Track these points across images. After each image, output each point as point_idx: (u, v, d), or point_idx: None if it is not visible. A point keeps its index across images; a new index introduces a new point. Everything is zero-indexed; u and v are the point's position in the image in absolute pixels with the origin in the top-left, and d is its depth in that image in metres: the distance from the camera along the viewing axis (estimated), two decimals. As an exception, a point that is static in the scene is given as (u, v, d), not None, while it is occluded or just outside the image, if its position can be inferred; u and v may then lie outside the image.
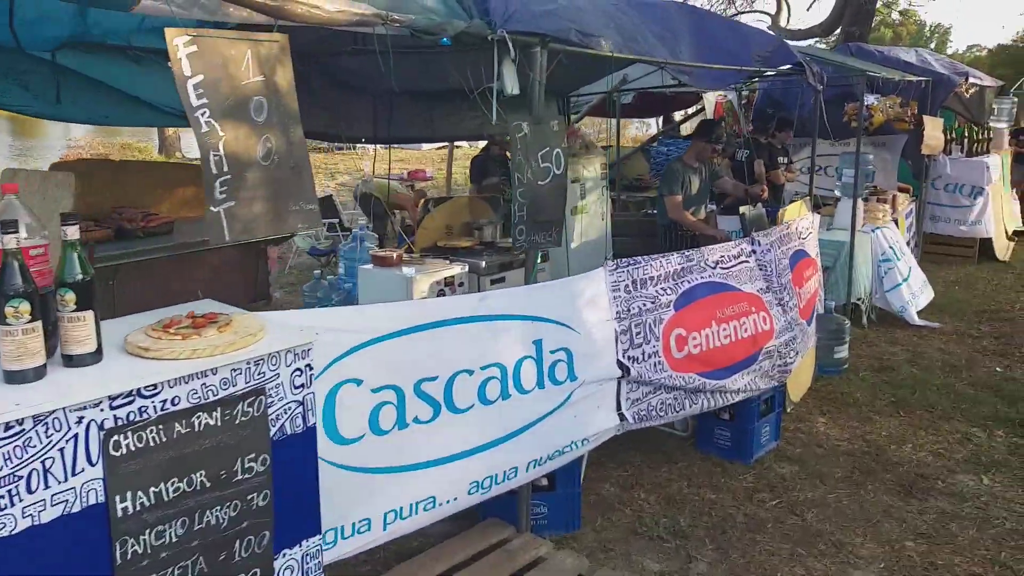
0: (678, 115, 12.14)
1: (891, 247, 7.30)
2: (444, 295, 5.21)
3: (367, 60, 5.10)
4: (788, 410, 5.09)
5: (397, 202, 9.37)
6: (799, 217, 5.32)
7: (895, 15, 43.98)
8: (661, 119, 13.31)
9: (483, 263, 5.48)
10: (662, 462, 4.47)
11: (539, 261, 3.65)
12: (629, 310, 3.56)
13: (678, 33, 4.41)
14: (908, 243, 8.36)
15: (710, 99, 9.43)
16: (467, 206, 6.21)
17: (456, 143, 10.40)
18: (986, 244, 9.34)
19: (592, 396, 3.39)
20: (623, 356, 3.50)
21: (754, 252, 4.48)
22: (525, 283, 3.56)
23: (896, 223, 7.93)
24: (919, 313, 7.13)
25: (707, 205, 5.92)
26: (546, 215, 3.31)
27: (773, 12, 14.61)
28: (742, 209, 5.33)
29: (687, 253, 3.98)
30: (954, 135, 9.63)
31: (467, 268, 5.36)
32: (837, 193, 7.51)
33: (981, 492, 4.12)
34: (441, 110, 5.58)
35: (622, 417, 3.54)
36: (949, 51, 41.26)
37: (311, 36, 3.15)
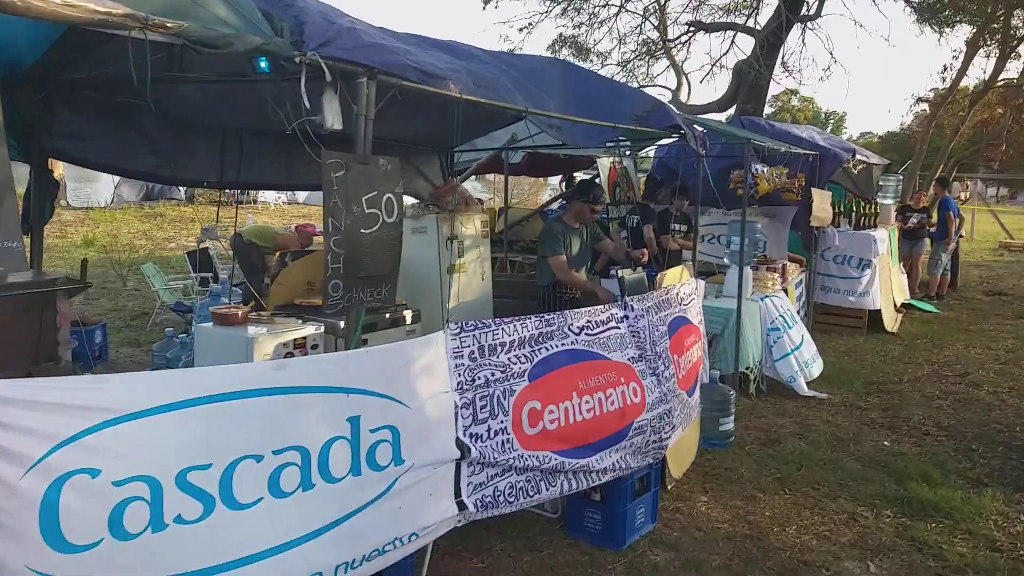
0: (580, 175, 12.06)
1: (781, 315, 7.16)
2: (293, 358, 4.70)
3: (212, 92, 4.67)
4: (668, 487, 4.71)
5: (284, 244, 8.69)
6: (680, 283, 5.05)
7: (795, 101, 46.69)
8: (562, 181, 13.25)
9: (342, 323, 4.99)
10: (525, 549, 3.98)
11: (360, 324, 3.18)
12: (474, 380, 3.12)
13: (547, 86, 4.15)
14: (799, 312, 8.29)
15: (604, 164, 9.31)
16: (333, 265, 5.71)
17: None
18: (875, 315, 9.40)
19: (424, 482, 2.90)
20: (464, 434, 3.04)
21: (626, 318, 4.14)
22: (347, 348, 3.09)
23: (786, 292, 7.85)
24: (809, 384, 6.96)
25: (588, 268, 5.61)
26: (371, 269, 2.87)
27: (674, 87, 14.90)
28: (620, 272, 5.02)
29: (547, 317, 3.60)
30: (843, 209, 9.78)
31: (322, 328, 4.85)
32: (726, 260, 7.38)
33: (866, 582, 3.79)
34: (299, 154, 5.14)
35: (462, 505, 3.05)
36: (844, 136, 43.84)
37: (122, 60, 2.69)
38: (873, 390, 7.00)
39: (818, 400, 6.64)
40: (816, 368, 7.26)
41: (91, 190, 22.59)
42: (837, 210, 9.62)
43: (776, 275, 7.58)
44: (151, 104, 2.75)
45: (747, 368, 6.60)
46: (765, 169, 6.79)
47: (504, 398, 3.23)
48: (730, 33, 12.83)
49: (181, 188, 25.58)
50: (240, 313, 4.77)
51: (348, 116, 2.81)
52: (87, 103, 4.56)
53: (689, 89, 15.40)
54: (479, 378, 3.14)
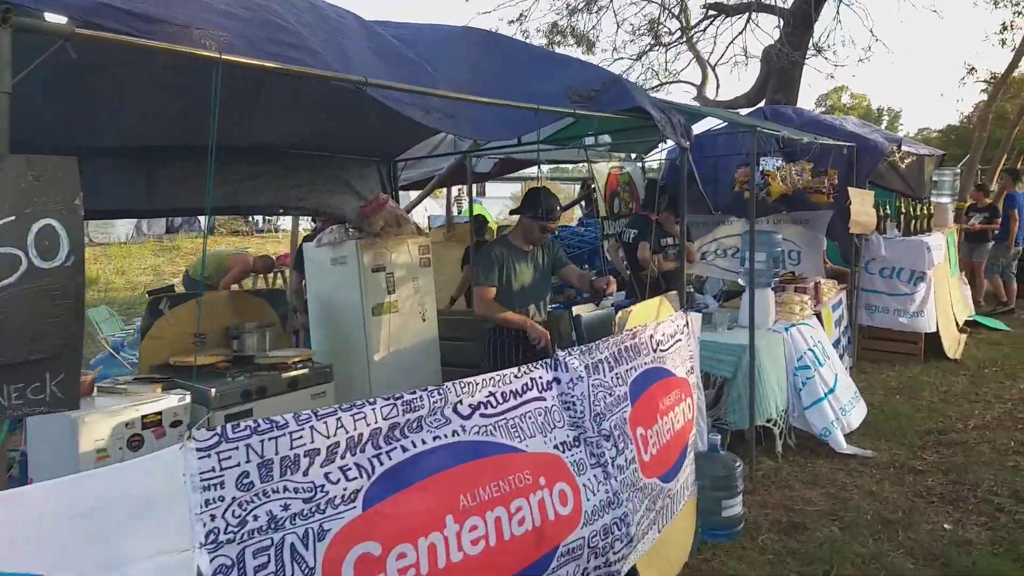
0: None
1: (811, 349, 5.78)
2: (140, 444, 3.56)
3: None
4: (642, 611, 3.40)
5: (235, 274, 7.48)
6: (655, 321, 3.76)
7: (845, 98, 44.33)
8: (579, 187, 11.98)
9: (214, 391, 3.83)
10: None
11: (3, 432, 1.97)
12: (243, 524, 1.90)
13: (441, 62, 2.92)
14: (838, 341, 6.87)
15: (602, 169, 7.99)
16: (229, 305, 4.56)
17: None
18: (933, 339, 7.89)
19: None
20: (214, 621, 1.81)
21: (556, 383, 2.87)
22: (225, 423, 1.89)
23: (820, 317, 6.45)
24: (849, 436, 5.56)
25: (546, 302, 4.33)
26: (9, 350, 1.67)
27: (698, 83, 13.51)
28: (576, 310, 3.76)
29: (414, 396, 2.36)
30: (888, 211, 8.30)
31: (188, 399, 3.70)
32: (741, 281, 6.03)
33: None
34: (163, 172, 3.99)
35: None
36: (900, 134, 41.60)
37: None
38: (930, 442, 5.55)
39: (860, 460, 5.23)
40: (857, 415, 5.84)
41: (111, 226, 22.26)
42: (882, 212, 8.15)
43: (806, 297, 6.19)
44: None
45: (768, 421, 5.24)
46: (779, 165, 5.43)
47: (306, 546, 1.99)
48: (758, 16, 11.39)
49: (200, 219, 25.00)
50: (86, 380, 3.66)
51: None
52: None
53: (717, 84, 14.00)
54: (256, 519, 1.91)
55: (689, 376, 4.05)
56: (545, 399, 2.79)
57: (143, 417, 3.55)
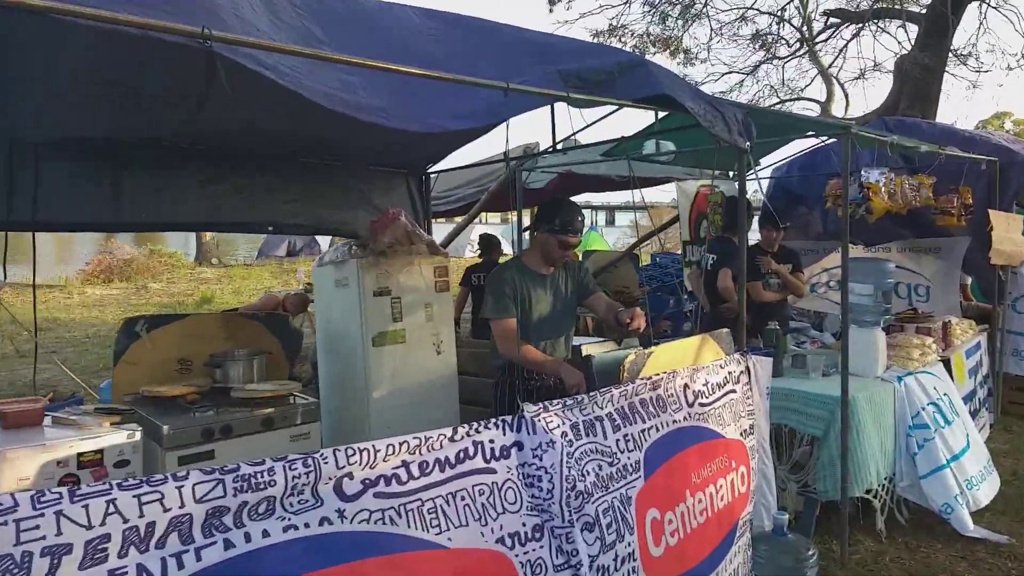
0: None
1: (934, 403, 4.67)
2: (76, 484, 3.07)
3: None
4: None
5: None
6: (693, 366, 2.92)
7: (1008, 124, 40.30)
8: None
9: (167, 428, 3.33)
10: None
11: None
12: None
13: (383, 37, 2.29)
14: (972, 394, 5.64)
15: (688, 188, 7.04)
16: (220, 329, 4.07)
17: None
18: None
19: None
20: None
21: (516, 449, 2.12)
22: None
23: (948, 365, 5.28)
24: (978, 514, 4.41)
25: (570, 337, 3.54)
26: None
27: (823, 99, 12.28)
28: (586, 350, 2.98)
29: (249, 470, 1.68)
30: (1044, 239, 6.91)
31: (139, 435, 3.22)
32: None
33: None
34: (132, 182, 3.52)
35: None
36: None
37: None
38: (1092, 530, 4.31)
39: (990, 547, 4.10)
40: (988, 489, 4.66)
41: (236, 248, 23.22)
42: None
43: (930, 340, 5.07)
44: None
45: (868, 491, 4.20)
46: (883, 176, 4.39)
47: None
48: (888, 23, 10.12)
49: (320, 239, 25.65)
50: (32, 409, 3.27)
51: None
52: None
53: (847, 100, 12.67)
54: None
55: (746, 437, 3.17)
56: (495, 471, 2.05)
57: (79, 455, 3.08)
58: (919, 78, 9.64)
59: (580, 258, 8.35)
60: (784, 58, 11.08)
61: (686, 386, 2.85)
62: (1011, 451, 5.63)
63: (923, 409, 4.56)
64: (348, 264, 4.04)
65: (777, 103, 12.93)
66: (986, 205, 6.12)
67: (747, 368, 3.32)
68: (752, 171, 7.72)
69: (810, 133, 4.64)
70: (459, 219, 7.05)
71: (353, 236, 4.36)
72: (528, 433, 2.14)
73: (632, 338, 3.28)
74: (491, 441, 2.05)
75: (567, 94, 2.49)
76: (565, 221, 3.29)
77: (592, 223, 34.10)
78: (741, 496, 3.05)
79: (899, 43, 10.22)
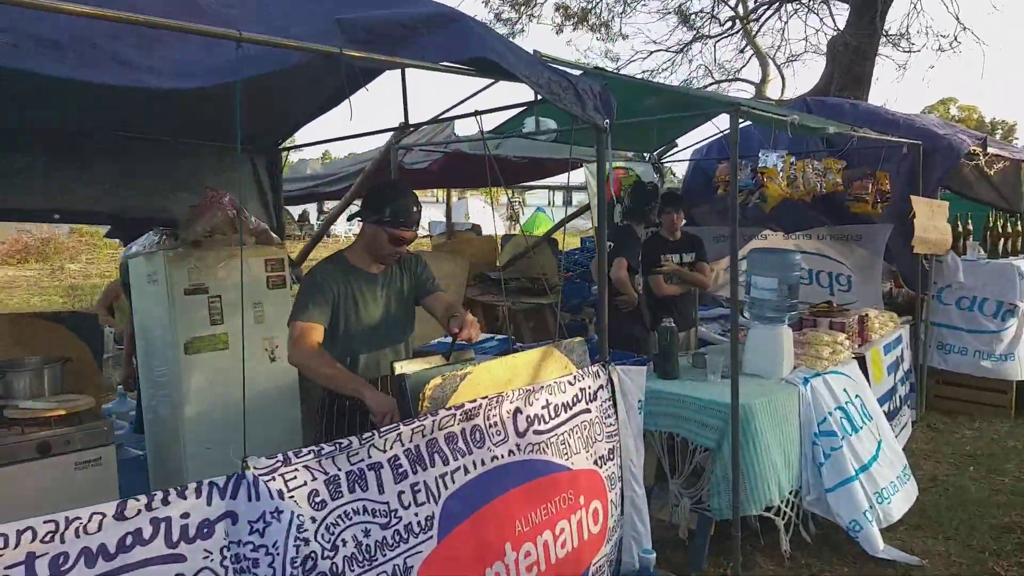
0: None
1: (842, 408, 4.27)
2: None
3: None
4: None
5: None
6: (528, 386, 2.42)
7: (953, 110, 40.60)
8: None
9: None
10: None
11: None
12: None
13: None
14: (892, 391, 5.27)
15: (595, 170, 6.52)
16: (9, 332, 3.47)
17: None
18: (1027, 387, 6.14)
19: None
20: None
21: (225, 522, 1.59)
22: None
23: (865, 362, 4.90)
24: (888, 531, 4.03)
25: (408, 345, 3.00)
26: None
27: (758, 80, 11.92)
28: (401, 366, 2.46)
29: None
30: (970, 227, 6.59)
31: None
32: (746, 314, 4.57)
33: None
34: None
35: None
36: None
37: None
38: (1012, 545, 3.94)
39: (901, 569, 3.71)
40: (902, 501, 4.28)
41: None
42: (961, 228, 6.48)
43: (842, 336, 4.66)
44: None
45: (769, 508, 3.78)
46: (781, 159, 3.93)
47: None
48: (817, 3, 9.75)
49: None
50: None
51: None
52: None
53: (783, 82, 12.31)
54: None
55: (603, 465, 2.69)
56: (183, 558, 1.51)
57: None
58: (851, 59, 9.31)
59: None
60: (715, 37, 10.65)
61: (517, 411, 2.35)
62: (932, 452, 5.29)
63: (830, 415, 4.15)
64: (156, 257, 3.45)
65: (711, 84, 12.55)
66: (910, 191, 5.75)
67: (607, 383, 2.84)
68: (669, 153, 7.29)
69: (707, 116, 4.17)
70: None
71: (173, 225, 3.75)
72: (249, 499, 1.61)
73: (466, 351, 2.76)
74: (184, 516, 1.52)
75: (339, 49, 1.95)
76: (397, 210, 2.74)
77: (550, 202, 33.35)
78: (594, 538, 2.58)
79: (822, 21, 9.82)
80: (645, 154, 6.98)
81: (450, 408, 2.13)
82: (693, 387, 4.01)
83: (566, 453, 2.50)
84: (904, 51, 10.17)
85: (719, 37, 10.73)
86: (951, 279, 6.17)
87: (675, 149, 7.24)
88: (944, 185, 6.57)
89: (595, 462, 2.65)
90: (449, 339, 2.72)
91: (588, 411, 2.66)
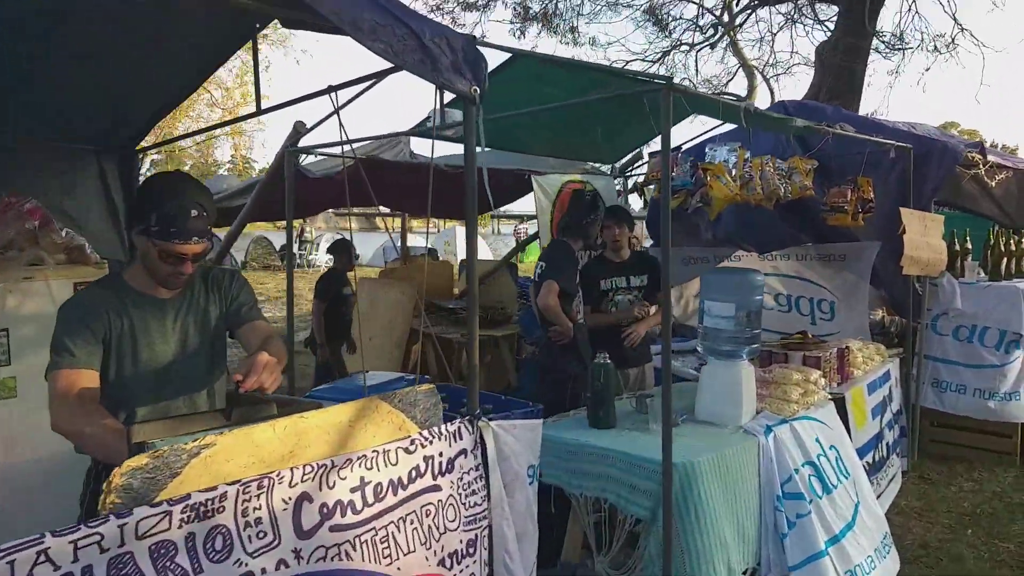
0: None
1: (811, 463, 3.52)
2: None
3: None
4: None
5: None
6: (332, 459, 1.68)
7: (954, 133, 39.99)
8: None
9: None
10: None
11: None
12: None
13: None
14: (878, 438, 4.51)
15: (549, 184, 5.73)
16: None
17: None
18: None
19: None
20: None
21: None
22: None
23: (844, 404, 4.15)
24: (869, 617, 3.27)
25: (221, 388, 2.25)
26: None
27: (744, 93, 11.24)
28: (138, 430, 1.71)
29: None
30: (969, 245, 5.86)
31: None
32: (699, 348, 3.83)
33: None
34: None
35: None
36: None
37: None
38: (1020, 643, 3.18)
39: None
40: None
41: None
42: (959, 247, 5.75)
43: (817, 374, 3.91)
44: None
45: (712, 592, 3.01)
46: (732, 154, 3.20)
47: None
48: (806, 6, 9.09)
49: (237, 255, 24.18)
50: None
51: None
52: None
53: (772, 93, 11.66)
54: None
55: (455, 566, 1.94)
56: None
57: None
58: (840, 65, 8.64)
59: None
60: (696, 45, 9.98)
61: (304, 499, 1.61)
62: (925, 510, 4.52)
63: (797, 472, 3.39)
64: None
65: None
66: (899, 204, 5.04)
67: (478, 444, 2.10)
68: (636, 165, 6.56)
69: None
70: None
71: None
72: None
73: (264, 407, 2.01)
74: None
75: None
76: (165, 217, 1.99)
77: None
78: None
79: (811, 26, 9.14)
80: (605, 167, 6.26)
81: (160, 503, 1.38)
82: (629, 440, 3.27)
83: (388, 555, 1.75)
84: (898, 49, 9.47)
85: (700, 45, 10.07)
86: (947, 305, 5.42)
87: (643, 161, 6.53)
88: (940, 201, 5.86)
89: (441, 562, 1.90)
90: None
91: (436, 489, 1.92)
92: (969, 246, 5.84)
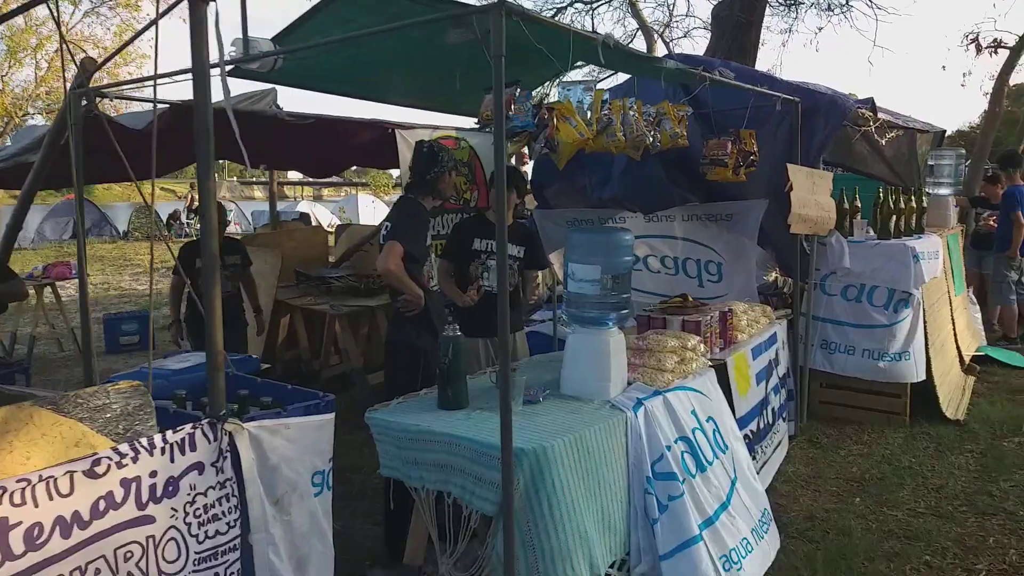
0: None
1: (684, 439, 3.19)
2: None
3: None
4: None
5: None
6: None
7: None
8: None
9: None
10: None
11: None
12: None
13: None
14: (764, 403, 4.24)
15: (414, 138, 5.23)
16: None
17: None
18: (921, 388, 5.22)
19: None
20: None
21: None
22: None
23: (726, 369, 3.84)
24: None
25: None
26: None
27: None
28: None
29: None
30: (858, 203, 5.66)
31: None
32: (563, 316, 3.45)
33: None
34: None
35: None
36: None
37: None
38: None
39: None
40: (756, 563, 3.23)
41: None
42: (847, 205, 5.55)
43: (695, 340, 3.58)
44: None
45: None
46: (587, 94, 2.80)
47: None
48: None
49: (118, 224, 22.56)
50: None
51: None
52: None
53: (670, 54, 11.40)
54: None
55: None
56: None
57: None
58: (736, 23, 8.40)
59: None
60: (593, 2, 9.57)
61: None
62: (812, 478, 4.31)
63: (669, 449, 3.06)
64: None
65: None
66: (785, 158, 4.77)
67: (225, 454, 1.62)
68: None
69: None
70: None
71: None
72: None
73: None
74: None
75: None
76: None
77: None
78: None
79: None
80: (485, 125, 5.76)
81: None
82: (477, 423, 2.85)
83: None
84: (791, 5, 9.28)
85: (598, 3, 9.66)
86: (836, 265, 5.23)
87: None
88: (831, 162, 5.65)
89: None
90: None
91: (146, 521, 1.44)
92: (858, 204, 5.65)
